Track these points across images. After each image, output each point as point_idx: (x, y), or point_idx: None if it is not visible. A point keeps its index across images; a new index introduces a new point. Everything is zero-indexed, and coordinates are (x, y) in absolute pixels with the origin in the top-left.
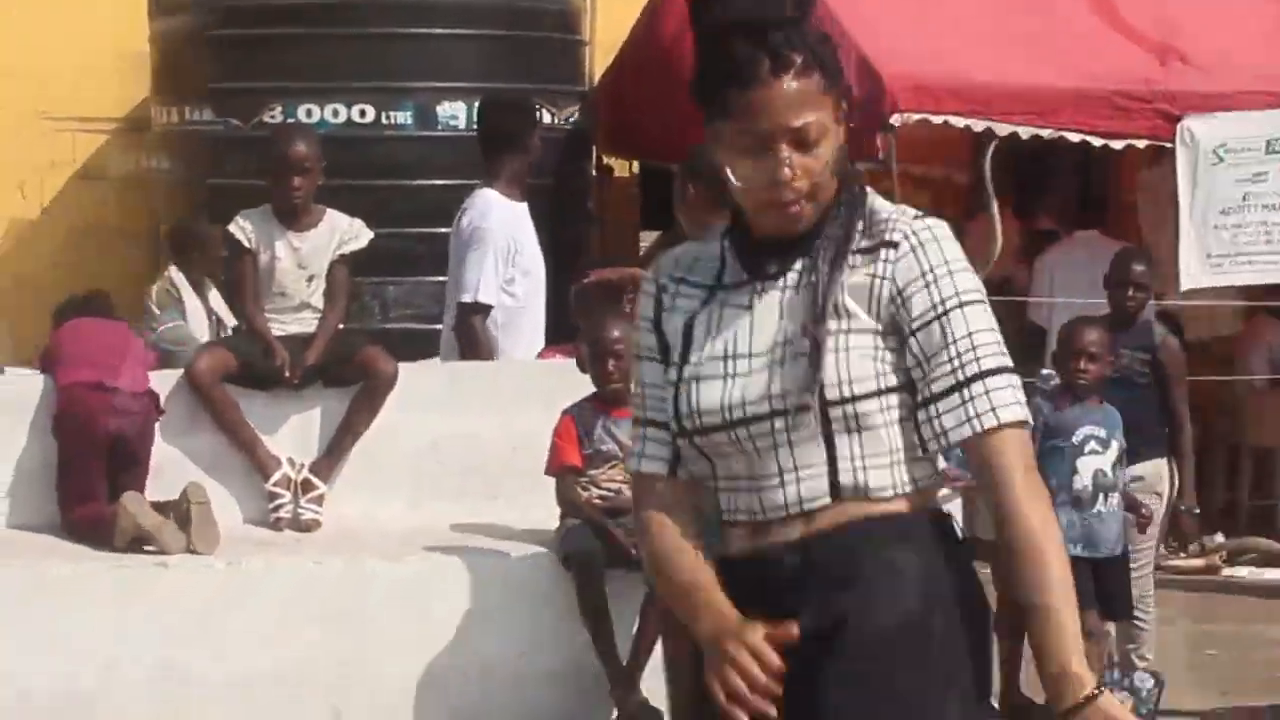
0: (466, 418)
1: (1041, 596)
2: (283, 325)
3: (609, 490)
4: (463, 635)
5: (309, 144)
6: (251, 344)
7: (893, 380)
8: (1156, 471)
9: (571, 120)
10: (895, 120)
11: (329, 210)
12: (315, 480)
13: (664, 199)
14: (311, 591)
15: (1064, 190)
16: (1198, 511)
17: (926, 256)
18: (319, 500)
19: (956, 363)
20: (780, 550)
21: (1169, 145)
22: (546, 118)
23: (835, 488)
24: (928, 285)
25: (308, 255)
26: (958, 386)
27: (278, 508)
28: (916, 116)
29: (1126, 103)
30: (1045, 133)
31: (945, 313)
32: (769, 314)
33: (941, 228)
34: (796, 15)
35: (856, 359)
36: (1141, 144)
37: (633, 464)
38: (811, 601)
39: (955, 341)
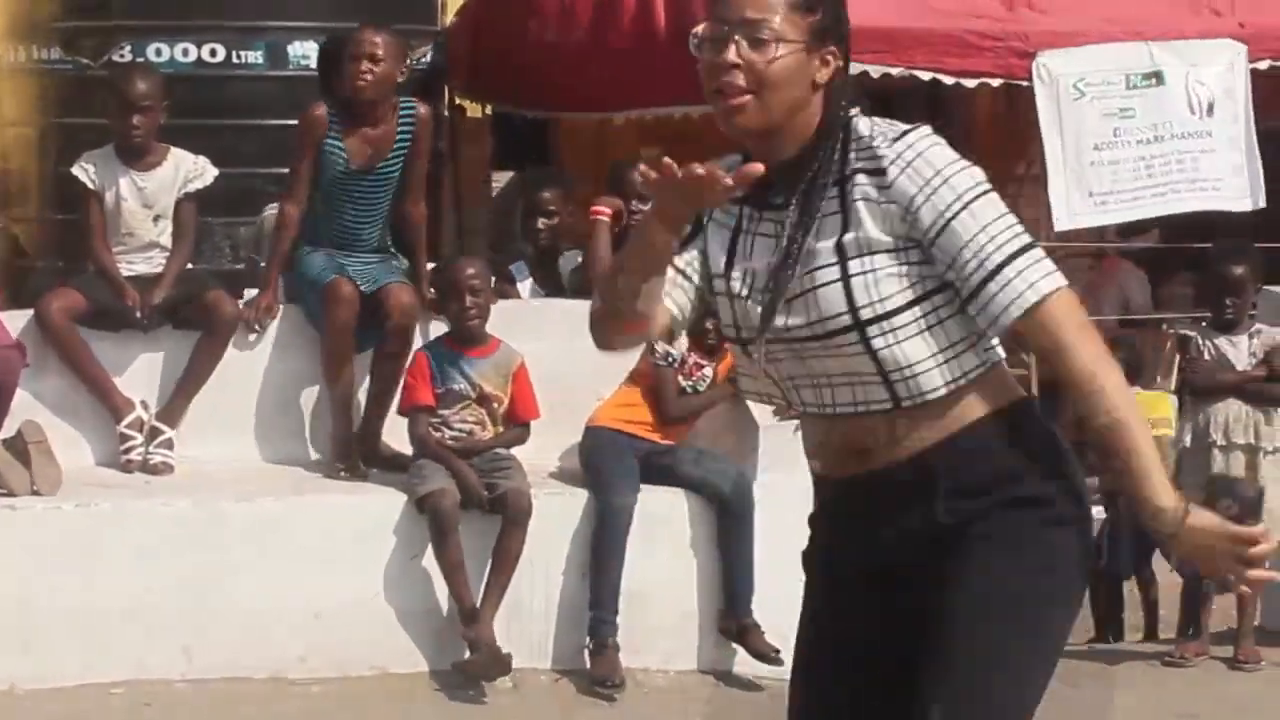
0: (318, 358)
1: (1109, 414)
2: (131, 265)
3: (461, 430)
4: (315, 576)
5: (148, 82)
6: (100, 285)
7: (921, 289)
8: None
9: (424, 61)
10: None
11: (173, 149)
12: (163, 426)
13: (515, 140)
14: (162, 533)
15: None
16: None
17: (918, 172)
18: (168, 445)
19: (980, 257)
20: (891, 467)
21: (1024, 83)
22: None
23: (894, 397)
24: (928, 198)
25: (152, 194)
26: (989, 278)
27: (129, 450)
28: None
29: (979, 40)
30: (895, 71)
31: (953, 217)
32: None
33: (922, 139)
34: None
35: (883, 278)
36: (995, 82)
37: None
38: (924, 509)
39: (971, 239)
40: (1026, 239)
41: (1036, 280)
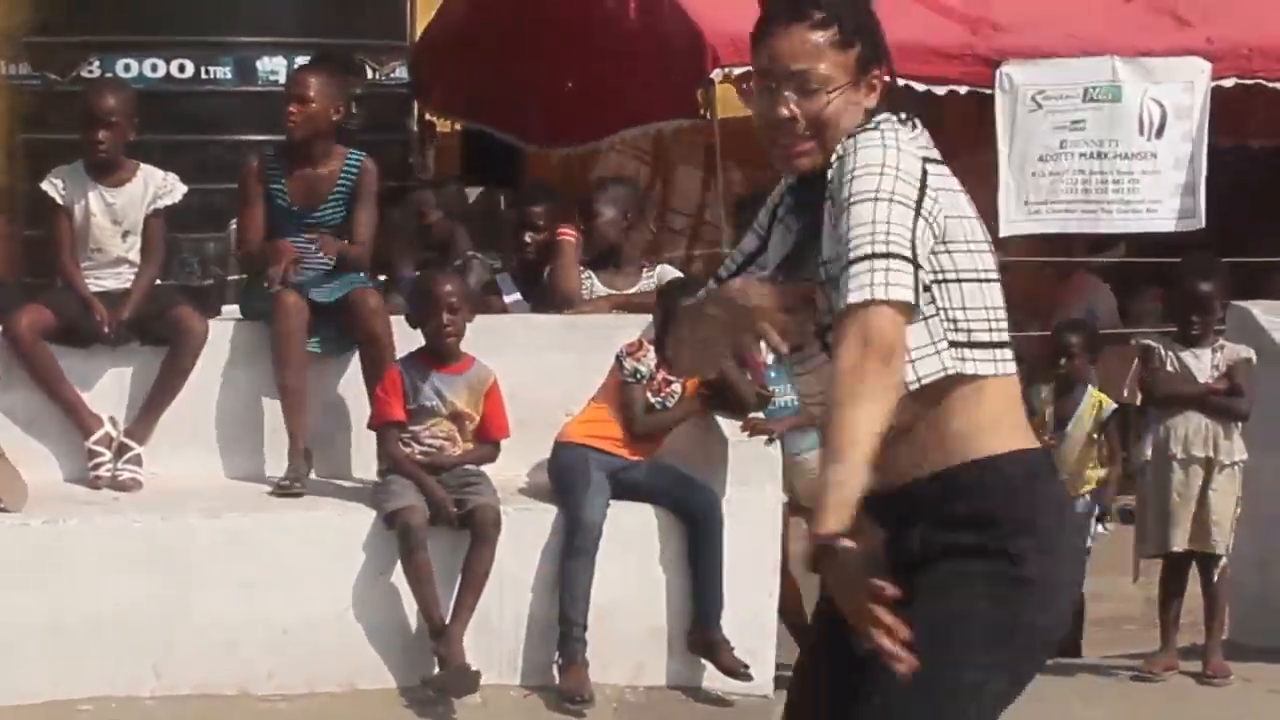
0: None
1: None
2: (99, 281)
3: (431, 446)
4: (284, 591)
5: (116, 97)
6: (69, 301)
7: None
8: None
9: (393, 76)
10: (715, 74)
11: (142, 165)
12: (131, 443)
13: (485, 155)
14: (131, 549)
15: None
16: None
17: (841, 167)
18: (137, 461)
19: (843, 255)
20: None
21: (989, 92)
22: (369, 73)
23: None
24: (837, 189)
25: (121, 210)
26: (839, 275)
27: (97, 466)
28: (738, 70)
29: (946, 49)
30: None
31: (840, 213)
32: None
33: (869, 136)
34: None
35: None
36: (963, 90)
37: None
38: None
39: (842, 236)
40: (872, 248)
41: (850, 291)
